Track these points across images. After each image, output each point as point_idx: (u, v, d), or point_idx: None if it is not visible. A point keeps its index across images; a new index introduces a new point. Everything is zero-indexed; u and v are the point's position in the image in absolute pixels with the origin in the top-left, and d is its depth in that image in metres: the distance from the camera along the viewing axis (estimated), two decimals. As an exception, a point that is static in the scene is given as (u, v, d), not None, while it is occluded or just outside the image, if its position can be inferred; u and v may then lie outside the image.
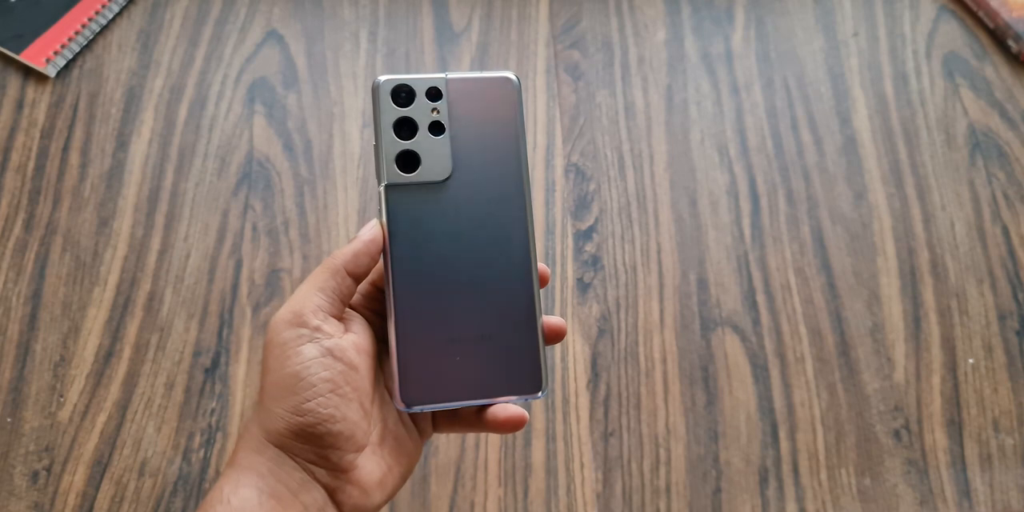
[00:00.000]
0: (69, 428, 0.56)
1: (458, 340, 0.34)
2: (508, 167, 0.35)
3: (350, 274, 0.33)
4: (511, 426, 0.34)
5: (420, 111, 0.34)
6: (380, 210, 0.34)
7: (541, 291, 0.36)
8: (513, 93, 0.36)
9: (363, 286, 0.36)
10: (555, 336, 0.36)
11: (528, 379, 0.35)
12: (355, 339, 0.33)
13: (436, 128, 0.34)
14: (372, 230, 0.33)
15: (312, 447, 0.31)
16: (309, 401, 0.30)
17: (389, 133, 0.34)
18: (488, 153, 0.35)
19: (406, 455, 0.35)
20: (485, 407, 0.35)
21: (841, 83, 0.70)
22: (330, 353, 0.31)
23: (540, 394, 0.35)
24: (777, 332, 0.60)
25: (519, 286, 0.35)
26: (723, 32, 0.72)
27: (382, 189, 0.34)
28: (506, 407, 0.34)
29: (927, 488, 0.56)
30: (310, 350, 0.31)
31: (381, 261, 0.35)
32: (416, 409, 0.33)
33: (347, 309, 0.35)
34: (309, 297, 0.32)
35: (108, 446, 0.56)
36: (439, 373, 0.34)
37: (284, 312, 0.32)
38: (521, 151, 0.35)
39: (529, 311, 0.35)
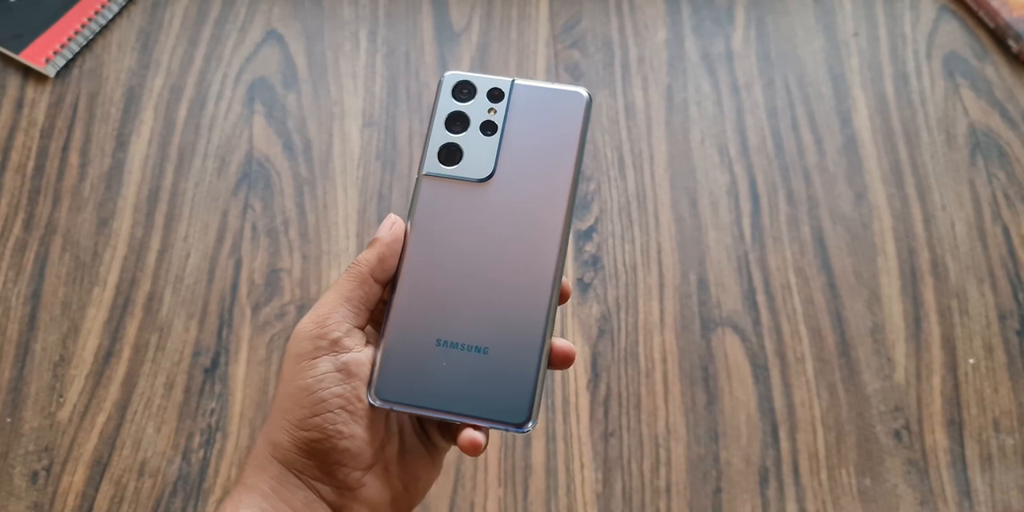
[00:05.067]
0: (68, 428, 0.56)
1: (452, 345, 0.32)
2: (555, 181, 0.34)
3: (377, 281, 0.32)
4: (467, 450, 0.31)
5: (476, 109, 0.34)
6: (412, 198, 0.34)
7: (556, 313, 0.34)
8: (580, 108, 0.34)
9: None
10: (562, 361, 0.33)
11: (514, 407, 0.32)
12: (373, 352, 0.32)
13: (488, 128, 0.34)
14: (393, 230, 0.33)
15: (317, 463, 0.30)
16: (316, 416, 0.30)
17: (439, 125, 0.34)
18: (537, 163, 0.34)
19: (423, 472, 0.33)
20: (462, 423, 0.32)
21: (842, 83, 0.70)
22: (346, 367, 0.30)
23: (524, 429, 0.32)
24: (777, 332, 0.60)
25: (533, 304, 0.33)
26: (723, 32, 0.72)
27: (418, 177, 0.34)
28: (467, 430, 0.31)
29: (927, 488, 0.56)
30: (325, 364, 0.30)
31: None
32: (388, 406, 0.31)
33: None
34: (336, 308, 0.31)
35: (108, 446, 0.56)
36: (422, 375, 0.32)
37: (307, 323, 0.31)
38: (575, 168, 0.34)
39: (536, 333, 0.32)
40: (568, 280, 0.35)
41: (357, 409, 0.30)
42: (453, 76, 0.34)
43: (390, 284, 0.33)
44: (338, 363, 0.30)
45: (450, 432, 0.34)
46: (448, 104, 0.34)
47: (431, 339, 0.32)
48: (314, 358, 0.30)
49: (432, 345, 0.32)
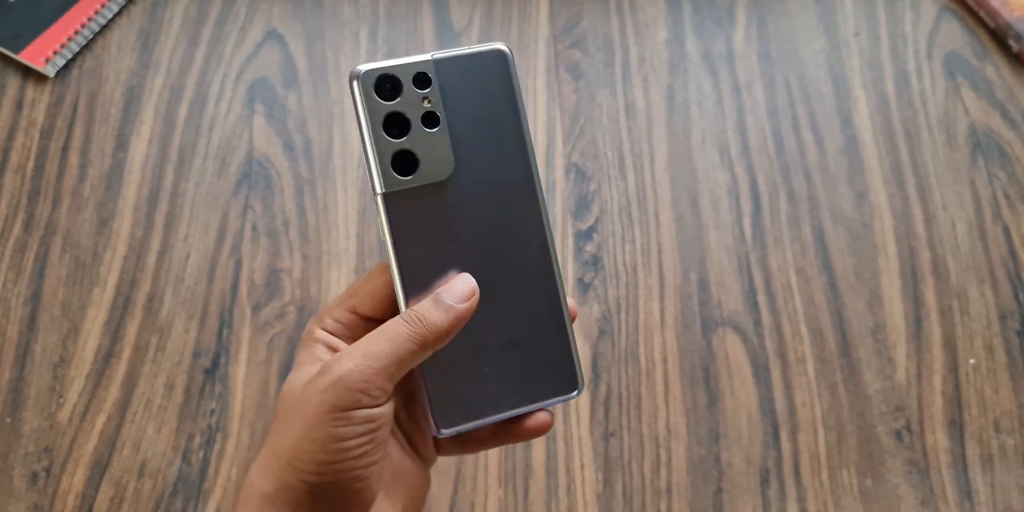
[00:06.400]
0: (68, 429, 0.56)
1: (486, 351, 0.32)
2: (513, 154, 0.32)
3: (433, 350, 0.30)
4: (538, 432, 0.33)
5: (410, 103, 0.30)
6: (380, 221, 0.30)
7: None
8: (506, 67, 0.31)
9: (343, 315, 0.33)
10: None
11: (563, 379, 0.33)
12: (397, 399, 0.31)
13: (431, 120, 0.30)
14: (472, 301, 0.30)
15: (330, 507, 0.29)
16: (338, 462, 0.28)
17: (379, 132, 0.30)
18: (490, 141, 0.31)
19: (417, 488, 0.33)
20: (514, 418, 0.32)
21: (842, 83, 0.70)
22: (372, 419, 0.29)
23: (576, 392, 0.33)
24: (778, 332, 0.60)
25: (541, 282, 0.32)
26: (724, 32, 0.72)
27: (380, 199, 0.30)
28: (533, 415, 0.33)
29: (928, 489, 0.56)
30: (359, 415, 0.29)
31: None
32: (454, 432, 0.31)
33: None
34: (388, 366, 0.29)
35: (108, 447, 0.56)
36: (472, 389, 0.31)
37: (356, 373, 0.29)
38: (524, 133, 0.32)
39: (555, 307, 0.33)
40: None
41: (374, 452, 0.30)
42: (370, 73, 0.30)
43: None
44: (372, 414, 0.29)
45: (457, 440, 0.34)
46: (378, 106, 0.30)
47: (467, 352, 0.31)
48: (352, 409, 0.29)
49: (469, 357, 0.31)
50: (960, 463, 0.57)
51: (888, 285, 0.62)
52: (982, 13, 0.72)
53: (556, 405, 0.33)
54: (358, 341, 0.30)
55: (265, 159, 0.65)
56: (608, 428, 0.57)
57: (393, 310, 0.32)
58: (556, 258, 0.33)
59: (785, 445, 0.57)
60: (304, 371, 0.31)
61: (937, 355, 0.60)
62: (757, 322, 0.60)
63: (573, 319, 0.34)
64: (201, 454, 0.55)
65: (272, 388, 0.57)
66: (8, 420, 0.56)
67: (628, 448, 0.56)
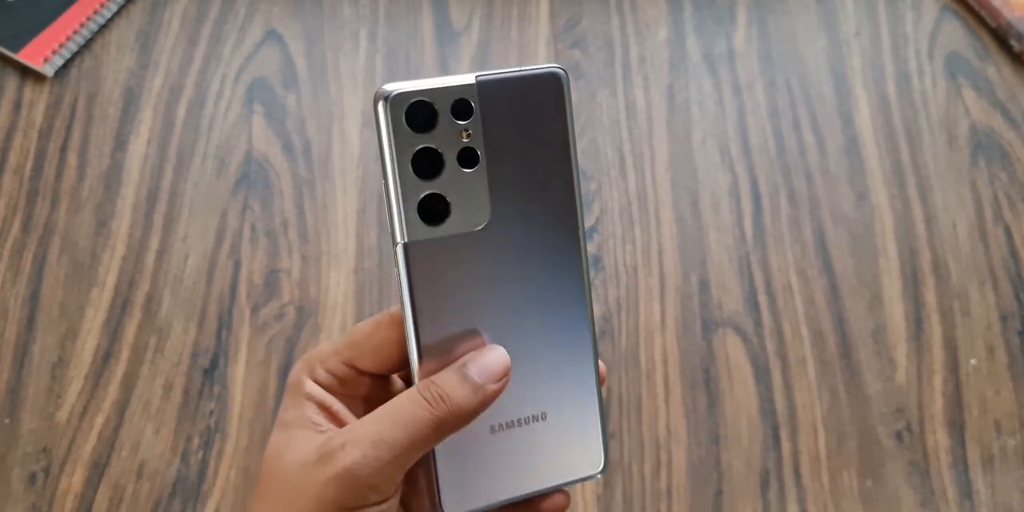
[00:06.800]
0: (67, 430, 0.56)
1: (506, 425, 0.28)
2: (558, 202, 0.27)
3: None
4: None
5: (446, 137, 0.25)
6: (398, 273, 0.26)
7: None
8: (560, 95, 0.27)
9: (338, 367, 0.29)
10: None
11: (586, 457, 0.29)
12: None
13: (468, 158, 0.26)
14: (504, 381, 0.27)
15: None
16: None
17: (407, 171, 0.25)
18: (533, 186, 0.27)
19: None
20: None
21: (843, 83, 0.70)
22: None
23: (600, 472, 0.29)
24: (779, 333, 0.60)
25: (574, 350, 0.29)
26: (725, 32, 0.71)
27: (400, 249, 0.26)
28: (551, 498, 0.30)
29: (928, 490, 0.56)
30: None
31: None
32: None
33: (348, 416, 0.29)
34: (400, 455, 0.25)
35: (106, 448, 0.55)
36: (485, 467, 0.28)
37: (367, 468, 0.25)
38: (574, 177, 0.27)
39: (586, 379, 0.29)
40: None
41: None
42: (401, 97, 0.25)
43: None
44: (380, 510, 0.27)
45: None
46: (408, 139, 0.25)
47: (483, 429, 0.28)
48: (358, 509, 0.26)
49: (486, 435, 0.28)
50: (961, 464, 0.56)
51: (889, 286, 0.62)
52: (983, 13, 0.72)
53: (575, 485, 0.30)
54: (365, 420, 0.26)
55: (264, 159, 0.65)
56: (608, 429, 0.57)
57: (398, 367, 0.29)
58: (593, 323, 0.29)
59: (785, 447, 0.57)
60: (292, 437, 0.27)
61: (938, 356, 0.60)
62: (757, 323, 0.60)
63: (602, 382, 0.30)
64: (200, 455, 0.55)
65: (271, 389, 0.57)
66: (7, 421, 0.56)
67: (628, 450, 0.56)
